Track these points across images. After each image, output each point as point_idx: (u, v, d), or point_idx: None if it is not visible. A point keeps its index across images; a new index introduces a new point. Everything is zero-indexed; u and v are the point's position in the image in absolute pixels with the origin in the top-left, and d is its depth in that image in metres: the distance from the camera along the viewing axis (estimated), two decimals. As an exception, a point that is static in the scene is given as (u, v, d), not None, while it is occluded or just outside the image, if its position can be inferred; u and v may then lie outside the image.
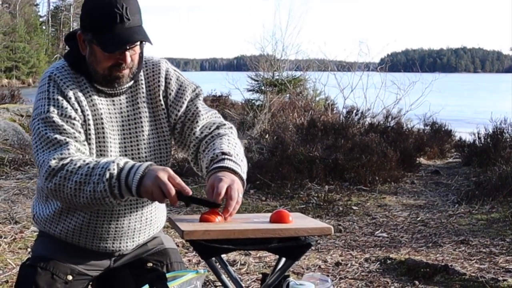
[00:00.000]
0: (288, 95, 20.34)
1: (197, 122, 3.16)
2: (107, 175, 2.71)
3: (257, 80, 22.22)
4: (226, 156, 2.91)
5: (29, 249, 6.32)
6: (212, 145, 3.04)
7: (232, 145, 3.04)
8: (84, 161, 2.79)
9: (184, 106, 3.17)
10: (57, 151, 2.83)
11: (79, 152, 2.87)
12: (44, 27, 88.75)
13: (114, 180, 2.71)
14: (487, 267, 6.08)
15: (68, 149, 2.83)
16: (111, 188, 2.71)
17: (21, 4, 77.87)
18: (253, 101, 21.10)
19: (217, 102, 23.28)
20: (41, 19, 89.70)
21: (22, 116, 16.55)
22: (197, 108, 3.18)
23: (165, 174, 2.68)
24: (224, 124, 3.22)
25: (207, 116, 3.21)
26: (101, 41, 2.86)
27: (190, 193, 2.71)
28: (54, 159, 2.80)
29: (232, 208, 2.73)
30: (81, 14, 2.98)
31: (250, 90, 22.27)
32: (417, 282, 5.67)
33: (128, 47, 2.90)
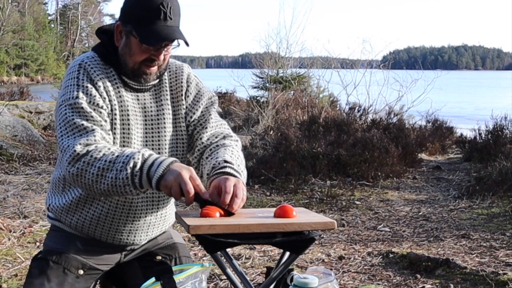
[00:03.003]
0: (292, 92, 20.35)
1: (206, 128, 3.22)
2: (131, 164, 2.73)
3: (261, 77, 22.25)
4: (228, 164, 2.95)
5: (38, 243, 6.34)
6: (215, 153, 3.09)
7: (235, 156, 3.09)
8: (109, 148, 2.82)
9: (199, 111, 3.23)
10: (83, 137, 2.85)
11: (104, 140, 2.89)
12: (52, 25, 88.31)
13: (137, 170, 2.73)
14: (488, 261, 6.11)
15: (94, 136, 2.85)
16: (133, 177, 2.74)
17: (30, 3, 77.49)
18: (257, 98, 21.13)
19: (223, 99, 23.19)
20: (49, 18, 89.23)
21: (31, 112, 16.58)
22: (210, 115, 3.25)
23: (187, 173, 2.72)
24: (231, 136, 3.28)
25: (217, 125, 3.27)
26: (141, 34, 2.91)
27: (208, 197, 2.75)
28: (80, 144, 2.82)
29: (237, 206, 2.76)
30: (123, 5, 3.03)
31: (255, 87, 22.30)
32: (418, 276, 5.68)
33: (163, 45, 2.96)
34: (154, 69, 3.04)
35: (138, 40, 2.94)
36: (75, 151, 2.81)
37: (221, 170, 2.92)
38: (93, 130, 2.87)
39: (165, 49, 3.00)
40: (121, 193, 2.82)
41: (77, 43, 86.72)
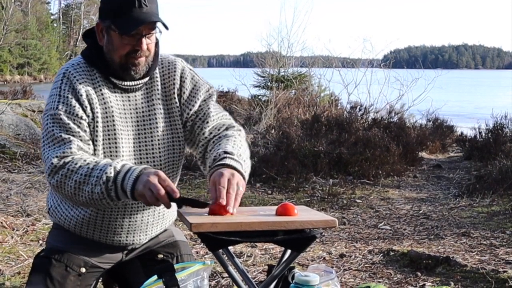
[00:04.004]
0: (293, 91, 20.36)
1: (207, 122, 3.18)
2: (104, 178, 2.75)
3: (263, 76, 22.26)
4: (227, 155, 2.91)
5: (40, 241, 6.35)
6: (218, 145, 3.05)
7: (237, 146, 3.05)
8: (85, 160, 2.83)
9: (197, 105, 3.20)
10: (60, 149, 2.87)
11: (81, 151, 2.90)
12: (55, 25, 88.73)
13: (110, 184, 2.75)
14: (488, 258, 6.10)
15: (71, 148, 2.87)
16: (108, 191, 2.76)
17: (32, 2, 77.69)
18: (259, 97, 21.15)
19: (224, 97, 23.17)
20: (52, 17, 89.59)
21: (34, 111, 16.60)
22: (209, 108, 3.21)
23: (155, 177, 2.69)
24: (233, 126, 3.25)
25: (218, 117, 3.23)
26: (119, 24, 2.91)
27: (178, 195, 2.71)
28: (57, 156, 2.85)
29: (231, 201, 2.71)
30: (100, 4, 3.03)
31: (257, 86, 22.30)
32: (419, 274, 5.68)
33: (144, 34, 2.95)
34: (142, 59, 3.01)
35: (117, 32, 2.94)
36: (52, 163, 2.85)
37: (220, 162, 2.88)
38: (70, 141, 2.89)
39: (146, 36, 2.98)
40: (101, 205, 2.87)
41: (80, 43, 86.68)
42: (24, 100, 19.02)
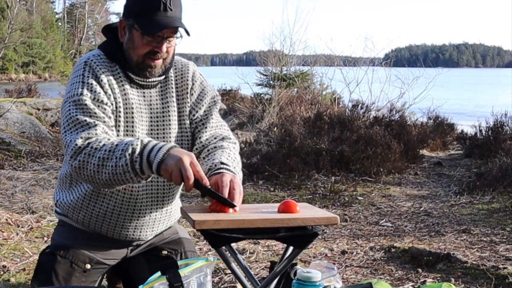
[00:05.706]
0: (295, 89, 20.42)
1: (206, 128, 3.25)
2: (130, 150, 2.69)
3: (266, 75, 22.33)
4: (224, 166, 2.95)
5: (45, 238, 6.36)
6: (213, 155, 3.09)
7: (231, 159, 3.09)
8: (109, 139, 2.81)
9: (202, 110, 3.27)
10: (85, 132, 2.84)
11: (106, 135, 2.88)
12: (60, 24, 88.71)
13: (136, 155, 2.69)
14: (488, 255, 6.11)
15: (96, 130, 2.85)
16: (133, 163, 2.70)
17: (37, 1, 77.57)
18: (262, 95, 21.22)
19: (227, 96, 23.26)
20: (57, 16, 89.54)
21: (38, 109, 16.62)
22: (211, 115, 3.29)
23: (188, 159, 2.65)
24: (230, 138, 3.28)
25: (217, 126, 3.30)
26: (142, 25, 2.95)
27: (208, 184, 2.69)
28: (81, 138, 2.81)
29: (236, 198, 2.73)
30: (126, 2, 3.08)
31: (259, 85, 22.36)
32: (420, 270, 5.67)
33: (165, 37, 3.00)
34: (159, 62, 3.06)
35: (140, 32, 2.98)
36: (76, 144, 2.81)
37: (217, 171, 2.91)
38: (95, 125, 2.88)
39: (167, 40, 3.03)
40: (123, 181, 2.79)
41: (84, 41, 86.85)
42: (29, 98, 19.01)
